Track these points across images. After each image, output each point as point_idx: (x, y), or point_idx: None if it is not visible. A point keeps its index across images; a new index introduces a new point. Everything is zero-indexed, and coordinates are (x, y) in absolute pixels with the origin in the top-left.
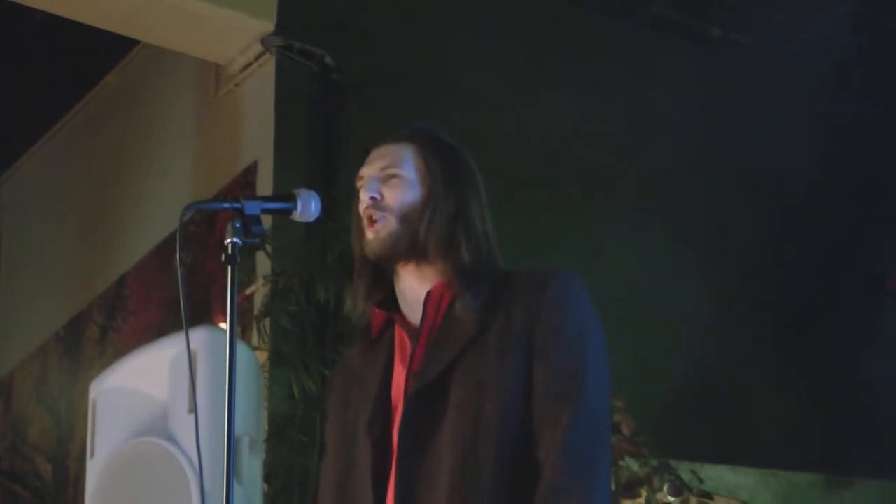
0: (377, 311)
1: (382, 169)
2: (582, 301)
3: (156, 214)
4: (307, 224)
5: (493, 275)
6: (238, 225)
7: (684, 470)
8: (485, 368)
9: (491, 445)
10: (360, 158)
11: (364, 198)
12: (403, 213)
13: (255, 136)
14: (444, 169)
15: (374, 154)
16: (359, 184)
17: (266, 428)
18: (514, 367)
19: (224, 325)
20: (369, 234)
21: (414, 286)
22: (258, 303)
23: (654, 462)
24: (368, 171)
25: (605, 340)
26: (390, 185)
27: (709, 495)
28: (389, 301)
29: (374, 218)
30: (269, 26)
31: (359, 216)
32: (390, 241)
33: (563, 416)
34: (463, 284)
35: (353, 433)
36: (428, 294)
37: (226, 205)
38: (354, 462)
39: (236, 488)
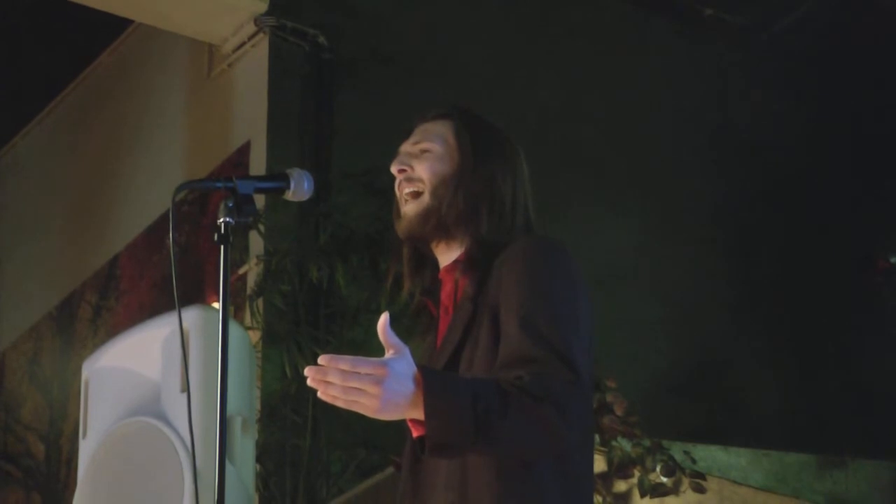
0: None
1: (415, 144)
2: (552, 259)
3: (148, 194)
4: (300, 204)
5: (500, 247)
6: (230, 204)
7: (677, 450)
8: (475, 357)
9: None
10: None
11: (394, 170)
12: (435, 185)
13: (248, 116)
14: (474, 144)
15: (414, 132)
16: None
17: (258, 407)
18: (495, 348)
19: (216, 305)
20: (401, 212)
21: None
22: (251, 282)
23: (646, 442)
24: (404, 146)
25: (583, 296)
26: (421, 158)
27: (701, 475)
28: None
29: (407, 190)
30: (262, 6)
31: (397, 199)
32: (417, 220)
33: (527, 368)
34: (467, 264)
35: None
36: (440, 281)
37: (218, 184)
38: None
39: (229, 468)
